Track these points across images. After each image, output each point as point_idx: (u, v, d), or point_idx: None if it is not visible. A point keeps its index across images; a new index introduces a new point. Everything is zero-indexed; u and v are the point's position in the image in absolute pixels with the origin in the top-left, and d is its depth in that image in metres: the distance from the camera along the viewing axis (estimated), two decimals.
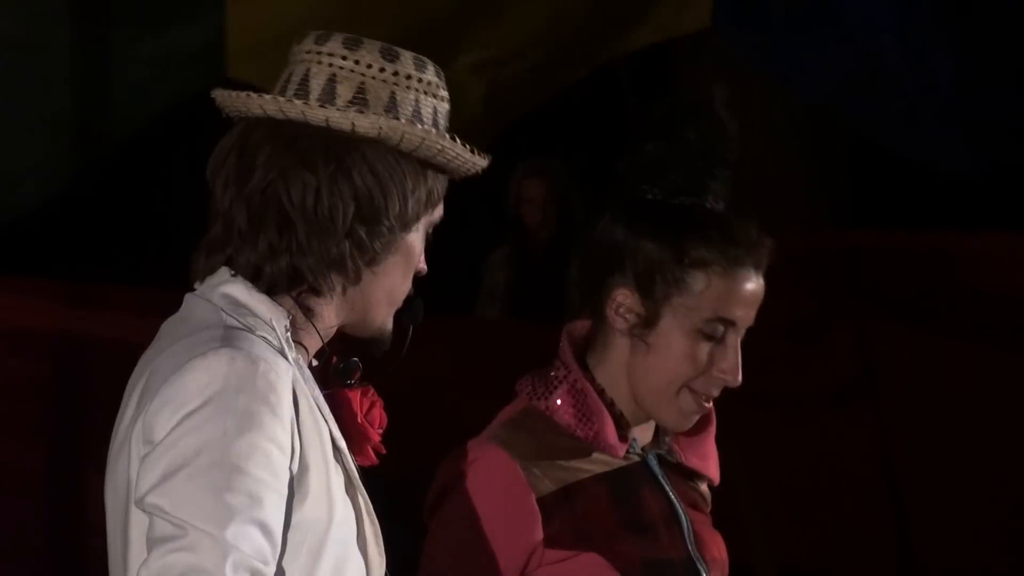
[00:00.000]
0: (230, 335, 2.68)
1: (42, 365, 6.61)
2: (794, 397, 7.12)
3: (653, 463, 3.29)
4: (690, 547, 3.23)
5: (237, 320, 2.72)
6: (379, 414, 2.88)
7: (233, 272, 2.75)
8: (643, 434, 3.31)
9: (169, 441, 2.62)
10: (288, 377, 2.67)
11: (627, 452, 3.25)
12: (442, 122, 2.83)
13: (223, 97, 2.79)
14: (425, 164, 2.79)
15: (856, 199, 8.74)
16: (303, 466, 2.68)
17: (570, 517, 3.21)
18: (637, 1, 6.57)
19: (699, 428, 3.31)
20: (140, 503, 2.62)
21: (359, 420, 2.83)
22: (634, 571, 3.19)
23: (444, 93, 2.83)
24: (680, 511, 3.26)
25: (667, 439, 3.32)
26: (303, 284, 2.75)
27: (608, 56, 6.67)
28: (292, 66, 2.84)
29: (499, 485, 3.22)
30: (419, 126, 2.76)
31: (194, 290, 2.81)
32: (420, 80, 2.82)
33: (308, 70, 2.82)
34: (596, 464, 3.27)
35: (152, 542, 2.59)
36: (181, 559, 2.59)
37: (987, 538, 6.88)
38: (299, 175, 2.76)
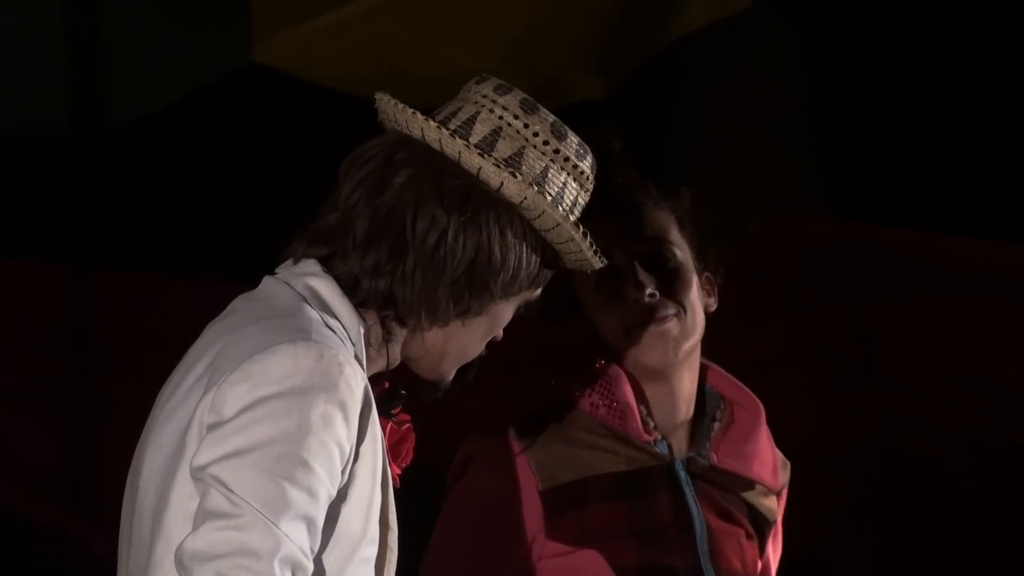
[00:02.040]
0: (321, 331, 2.64)
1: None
2: (790, 383, 6.92)
3: (680, 468, 3.24)
4: (701, 557, 3.17)
5: (317, 315, 2.68)
6: (408, 449, 2.86)
7: (326, 269, 2.70)
8: (675, 439, 3.28)
9: (243, 421, 2.58)
10: (363, 388, 2.65)
11: (654, 450, 3.22)
12: (576, 213, 2.76)
13: (384, 103, 2.76)
14: (547, 246, 2.75)
15: (855, 192, 8.62)
16: (352, 476, 2.67)
17: (577, 511, 3.17)
18: None
19: (743, 428, 3.31)
20: (199, 471, 2.58)
21: (386, 448, 2.79)
22: (629, 574, 3.16)
23: (591, 186, 2.78)
24: (696, 518, 3.22)
25: (707, 445, 3.28)
26: (392, 311, 2.72)
27: (653, 48, 6.64)
28: (462, 103, 2.77)
29: (501, 473, 3.19)
30: (559, 209, 2.71)
31: (275, 272, 2.76)
32: (576, 167, 2.76)
33: (477, 114, 2.75)
34: (619, 462, 3.24)
35: (204, 514, 2.56)
36: (234, 538, 2.56)
37: (985, 522, 6.85)
38: (431, 210, 2.70)
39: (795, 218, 7.62)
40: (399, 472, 2.87)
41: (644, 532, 3.24)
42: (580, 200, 2.81)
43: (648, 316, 3.20)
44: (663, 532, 3.22)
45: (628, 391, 3.27)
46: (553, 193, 2.77)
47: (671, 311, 3.22)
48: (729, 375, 3.42)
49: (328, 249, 2.75)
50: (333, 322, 2.71)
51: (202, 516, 2.60)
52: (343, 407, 2.64)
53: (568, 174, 2.80)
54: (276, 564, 2.57)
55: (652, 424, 3.29)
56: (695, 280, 3.31)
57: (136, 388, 3.03)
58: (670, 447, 3.28)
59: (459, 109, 2.78)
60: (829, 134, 8.33)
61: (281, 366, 2.63)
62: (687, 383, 3.33)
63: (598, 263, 2.80)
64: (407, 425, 2.87)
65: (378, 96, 2.78)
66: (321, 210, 2.80)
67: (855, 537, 6.89)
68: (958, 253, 7.04)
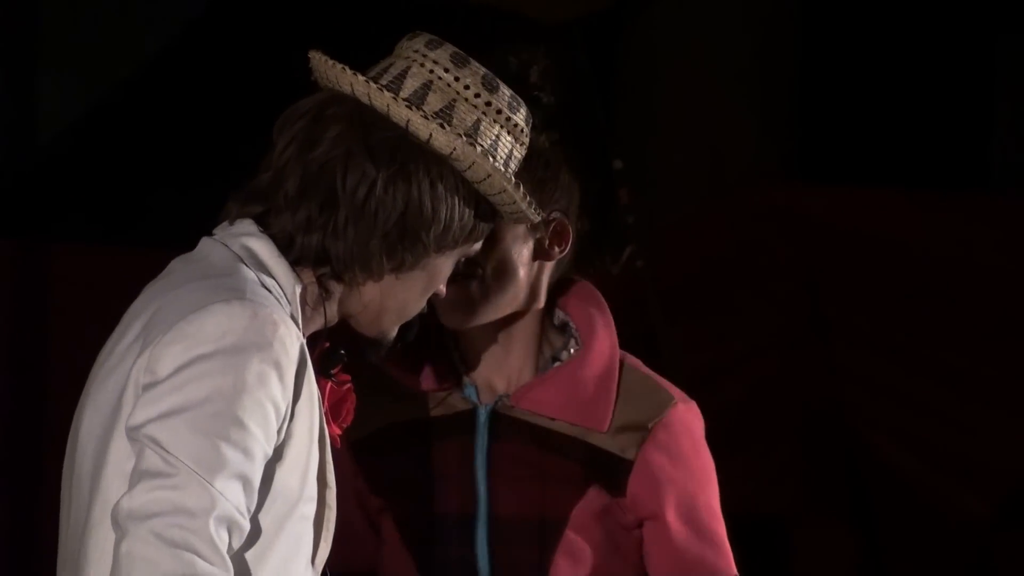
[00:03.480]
0: (256, 291, 2.68)
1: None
2: (746, 341, 7.12)
3: (482, 413, 3.24)
4: (479, 504, 3.18)
5: (252, 274, 2.72)
6: (348, 409, 2.91)
7: (261, 228, 2.74)
8: (493, 382, 3.25)
9: (178, 380, 2.61)
10: (299, 347, 2.68)
11: (451, 398, 3.24)
12: (513, 166, 2.79)
13: (317, 61, 2.78)
14: (481, 199, 2.77)
15: (803, 153, 8.72)
16: (288, 435, 2.70)
17: (377, 462, 3.23)
18: None
19: (572, 367, 3.24)
20: (134, 431, 2.63)
21: (325, 408, 2.84)
22: (391, 522, 3.19)
23: (526, 139, 2.80)
24: (480, 465, 3.22)
25: (521, 387, 3.23)
26: (327, 267, 2.75)
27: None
28: (394, 59, 2.80)
29: None
30: (491, 161, 2.74)
31: (212, 233, 2.79)
32: (508, 119, 2.78)
33: (408, 68, 2.77)
34: (415, 410, 3.27)
35: (140, 474, 2.60)
36: (168, 497, 2.59)
37: (938, 464, 6.90)
38: (361, 163, 2.72)
39: (748, 181, 7.70)
40: (339, 432, 2.88)
41: (418, 481, 3.24)
42: (516, 153, 2.82)
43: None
44: (442, 480, 3.22)
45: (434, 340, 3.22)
46: (485, 145, 2.78)
47: (465, 274, 3.13)
48: (602, 314, 3.32)
49: (262, 207, 2.76)
50: (269, 281, 2.72)
51: (137, 476, 2.61)
52: (278, 366, 2.64)
53: (501, 127, 2.81)
54: (211, 522, 2.58)
55: (457, 360, 3.25)
56: (510, 239, 3.19)
57: (86, 361, 3.01)
58: (478, 391, 3.24)
59: (391, 65, 2.80)
60: (779, 96, 8.45)
61: (216, 325, 2.64)
62: (509, 332, 3.25)
63: (534, 215, 2.81)
64: (348, 386, 2.87)
65: (311, 55, 2.79)
66: (257, 169, 2.81)
67: (808, 494, 6.96)
68: (902, 209, 7.13)
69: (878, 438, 7.04)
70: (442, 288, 2.85)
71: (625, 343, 3.33)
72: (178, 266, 2.77)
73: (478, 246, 2.86)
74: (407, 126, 2.71)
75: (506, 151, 2.81)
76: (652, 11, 8.13)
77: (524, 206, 2.80)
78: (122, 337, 2.72)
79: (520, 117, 2.80)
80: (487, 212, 2.81)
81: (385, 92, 2.72)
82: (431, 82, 2.76)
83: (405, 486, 3.23)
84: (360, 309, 2.80)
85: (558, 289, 3.23)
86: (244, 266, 2.71)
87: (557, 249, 3.13)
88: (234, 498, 2.59)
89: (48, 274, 6.58)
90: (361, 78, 2.72)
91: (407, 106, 2.71)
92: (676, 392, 3.26)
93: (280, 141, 2.76)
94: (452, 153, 2.71)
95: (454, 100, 2.77)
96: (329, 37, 3.16)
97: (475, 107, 2.77)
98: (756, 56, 8.22)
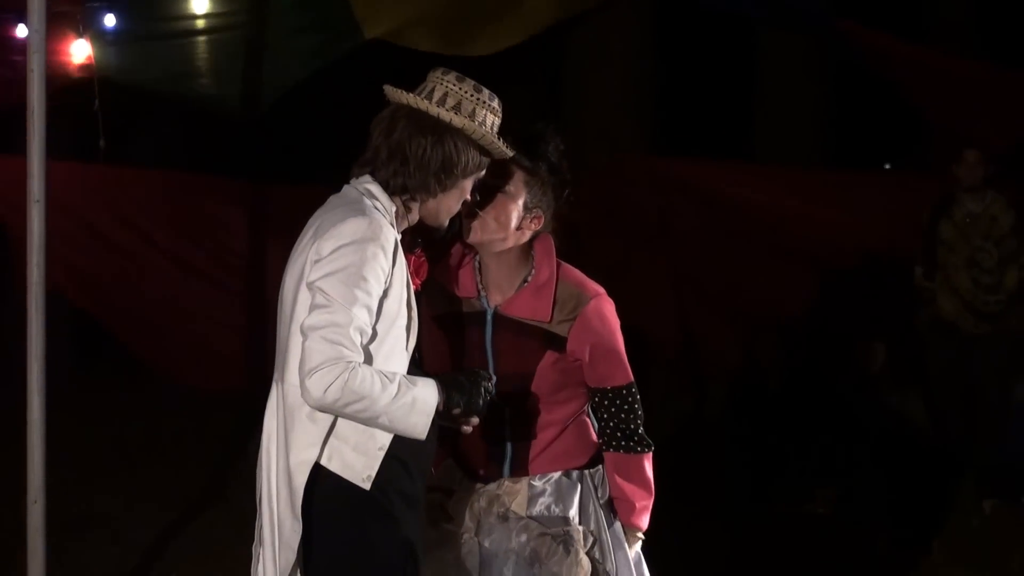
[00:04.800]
0: (371, 210, 3.40)
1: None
2: (618, 250, 7.98)
3: (489, 313, 3.79)
4: (489, 363, 3.78)
5: (370, 202, 3.42)
6: (424, 270, 3.58)
7: (373, 179, 3.48)
8: (495, 293, 3.80)
9: (333, 256, 3.32)
10: (394, 238, 3.39)
11: (474, 301, 3.78)
12: (495, 129, 3.55)
13: (389, 91, 3.49)
14: (481, 149, 3.53)
15: (660, 138, 9.67)
16: (390, 284, 3.38)
17: (438, 331, 3.82)
18: None
19: (530, 289, 3.78)
20: (310, 284, 3.32)
21: (410, 270, 3.49)
22: (446, 352, 3.74)
23: (500, 114, 3.53)
24: (488, 340, 3.77)
25: (508, 298, 3.75)
26: (407, 194, 3.49)
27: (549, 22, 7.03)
28: (426, 82, 3.53)
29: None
30: (483, 129, 3.50)
31: (349, 183, 3.51)
32: (490, 105, 3.54)
33: (434, 87, 3.52)
34: (456, 306, 3.83)
35: (312, 307, 3.29)
36: (328, 317, 3.26)
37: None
38: (417, 138, 3.47)
39: (622, 155, 8.78)
40: (419, 282, 3.51)
41: (462, 347, 3.77)
42: (496, 121, 3.46)
43: (468, 210, 3.65)
44: (471, 348, 3.76)
45: (464, 262, 3.76)
46: (479, 120, 3.43)
47: (475, 213, 3.67)
48: (549, 258, 3.78)
49: (370, 168, 3.44)
50: (378, 204, 3.38)
51: (313, 307, 3.25)
52: (383, 248, 3.28)
53: (486, 109, 3.46)
54: (351, 330, 3.19)
55: (479, 282, 3.76)
56: (511, 208, 3.69)
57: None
58: (487, 299, 3.76)
59: (425, 86, 3.49)
60: (649, 94, 9.65)
61: (349, 227, 3.28)
62: (501, 264, 3.77)
63: (510, 154, 3.49)
64: (423, 258, 3.55)
65: (385, 88, 3.45)
66: (364, 149, 3.49)
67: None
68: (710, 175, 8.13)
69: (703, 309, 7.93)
70: (468, 196, 3.45)
71: (566, 257, 3.85)
72: (332, 200, 3.47)
73: (483, 172, 3.46)
74: (438, 116, 3.40)
75: (491, 122, 3.46)
76: (581, 30, 9.07)
77: (504, 149, 3.45)
78: (304, 237, 3.42)
79: (496, 103, 3.47)
80: (486, 154, 3.46)
81: (425, 100, 3.43)
82: (447, 91, 3.46)
83: (451, 349, 3.79)
84: (427, 213, 3.48)
85: (534, 238, 3.81)
86: (365, 199, 3.38)
87: (533, 225, 3.76)
88: (363, 317, 3.22)
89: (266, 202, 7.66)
90: (411, 95, 3.42)
91: (437, 106, 3.41)
92: (590, 290, 3.77)
93: (374, 132, 3.47)
94: (463, 127, 3.42)
95: (461, 99, 3.46)
96: (390, 77, 3.73)
97: (472, 100, 3.44)
98: (632, 74, 9.47)
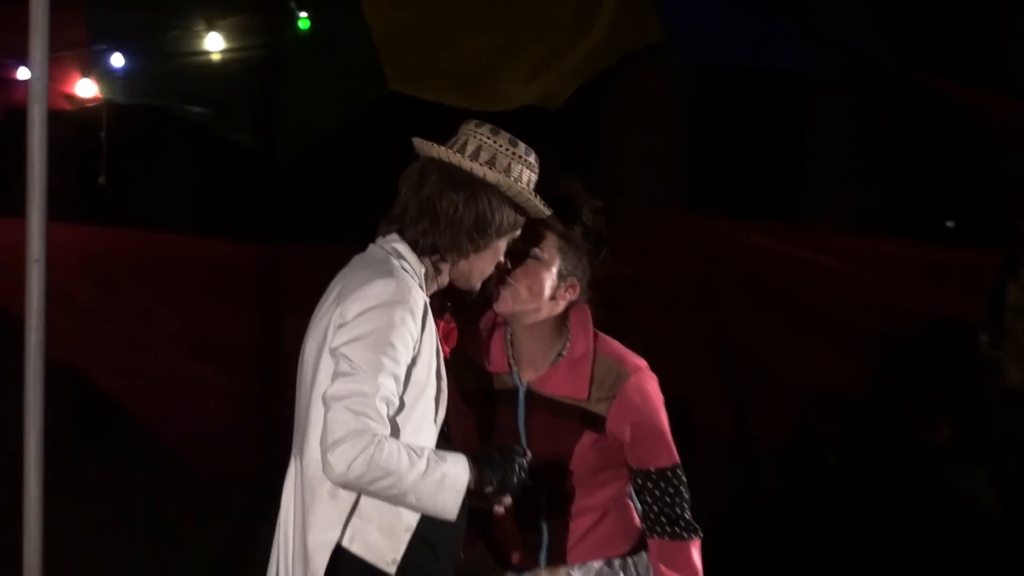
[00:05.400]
0: (399, 272, 3.45)
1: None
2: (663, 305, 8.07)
3: (521, 391, 3.82)
4: (521, 438, 3.82)
5: (398, 263, 3.47)
6: (453, 338, 3.63)
7: (401, 237, 3.54)
8: (528, 369, 3.82)
9: (358, 320, 3.37)
10: (423, 301, 3.45)
11: (505, 378, 3.82)
12: (531, 185, 3.62)
13: (418, 144, 3.56)
14: (517, 207, 3.59)
15: (704, 195, 9.75)
16: (419, 351, 3.44)
17: (467, 410, 3.86)
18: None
19: (564, 364, 3.81)
20: (333, 351, 3.38)
21: (439, 336, 3.55)
22: (475, 433, 3.80)
23: (537, 170, 3.60)
24: (521, 425, 3.81)
25: (540, 375, 3.77)
26: (437, 254, 3.54)
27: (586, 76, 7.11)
28: (459, 135, 3.59)
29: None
30: (519, 185, 3.56)
31: (375, 242, 3.57)
32: (526, 160, 3.61)
33: (468, 139, 3.59)
34: (487, 382, 3.85)
35: (337, 375, 3.35)
36: (353, 386, 3.32)
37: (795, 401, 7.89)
38: (448, 194, 3.53)
39: (667, 210, 8.79)
40: (448, 349, 3.58)
41: (491, 428, 3.80)
42: (533, 177, 3.54)
43: (499, 278, 3.69)
44: (502, 428, 3.81)
45: (494, 334, 3.79)
46: (515, 175, 3.48)
47: (507, 282, 3.70)
48: (585, 329, 3.80)
49: (398, 226, 3.49)
50: (407, 265, 3.44)
51: (336, 376, 3.30)
52: (412, 313, 3.34)
53: (522, 164, 3.52)
54: (377, 400, 3.25)
55: (511, 356, 3.79)
56: (544, 276, 3.72)
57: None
58: (519, 375, 3.79)
59: (458, 139, 3.55)
60: (688, 153, 9.67)
61: (376, 290, 3.34)
62: (534, 336, 3.80)
63: (547, 212, 3.55)
64: (452, 324, 3.61)
65: (414, 141, 3.52)
66: (392, 206, 3.55)
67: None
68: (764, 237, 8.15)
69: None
70: (502, 259, 3.52)
71: (604, 327, 3.86)
72: (356, 260, 3.52)
73: (518, 232, 3.52)
74: (471, 171, 3.47)
75: (527, 177, 3.53)
76: (615, 86, 9.13)
77: (541, 207, 3.53)
78: (326, 300, 3.46)
79: (532, 158, 3.54)
80: (521, 212, 3.53)
81: (457, 154, 3.50)
82: (481, 145, 3.52)
83: (479, 428, 3.82)
84: (457, 276, 3.53)
85: (569, 308, 3.84)
86: (392, 258, 3.43)
87: (568, 295, 3.78)
88: (390, 386, 3.26)
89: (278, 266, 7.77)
90: (442, 149, 3.49)
91: (470, 160, 3.48)
92: (630, 365, 3.77)
93: (403, 188, 3.53)
94: (498, 183, 3.48)
95: (495, 153, 3.51)
96: (418, 130, 3.75)
97: (507, 155, 3.50)
98: (673, 126, 9.44)
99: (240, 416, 7.74)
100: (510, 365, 3.84)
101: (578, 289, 3.82)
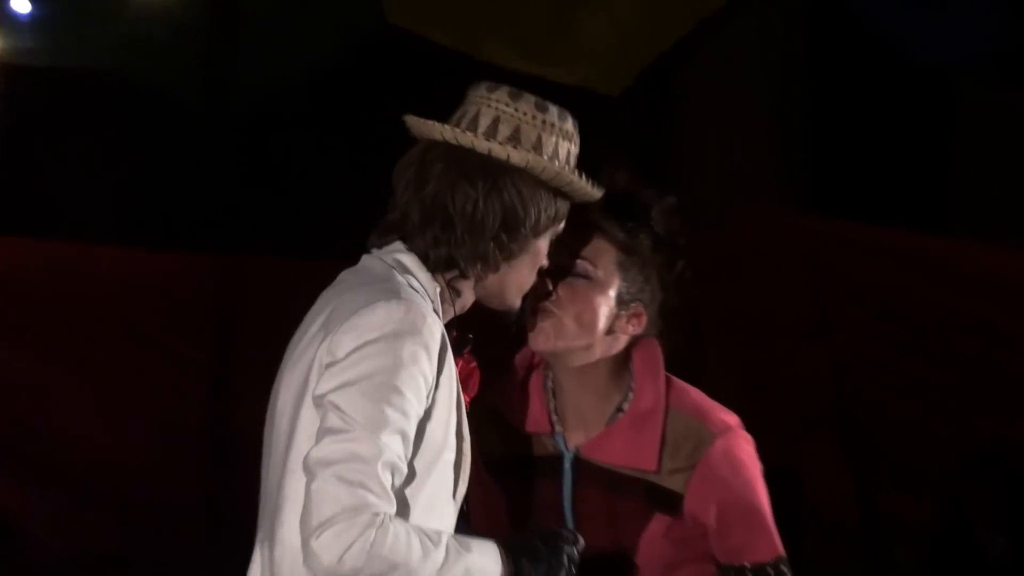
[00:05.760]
0: (408, 292, 3.32)
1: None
2: (767, 333, 7.90)
3: (567, 459, 3.81)
4: (567, 521, 3.79)
5: (403, 279, 3.34)
6: (474, 382, 3.54)
7: (406, 247, 3.41)
8: (577, 430, 3.80)
9: (352, 359, 3.23)
10: (440, 333, 3.33)
11: (546, 441, 3.79)
12: (572, 161, 3.49)
13: (412, 122, 3.44)
14: (556, 191, 3.46)
15: (814, 188, 9.39)
16: (434, 400, 3.31)
17: (495, 483, 3.83)
18: None
19: (625, 423, 3.79)
20: (319, 399, 3.24)
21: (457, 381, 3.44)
22: (509, 510, 3.81)
23: (577, 139, 3.49)
24: (567, 505, 3.81)
25: (589, 437, 3.78)
26: (455, 270, 3.40)
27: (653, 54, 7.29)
28: (466, 106, 3.47)
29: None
30: (556, 163, 3.43)
31: (370, 252, 3.44)
32: (561, 129, 3.47)
33: (479, 111, 3.45)
34: (522, 446, 3.85)
35: (324, 431, 3.20)
36: (347, 448, 3.18)
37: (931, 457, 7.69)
38: (463, 188, 3.38)
39: (763, 210, 8.43)
40: (469, 399, 3.45)
41: (528, 508, 3.80)
42: (572, 150, 3.42)
43: (535, 304, 3.67)
44: (541, 509, 3.80)
45: (531, 380, 3.79)
46: (549, 152, 3.38)
47: (552, 310, 3.68)
48: (654, 374, 3.79)
49: (397, 236, 3.36)
50: (416, 284, 3.31)
51: (323, 432, 3.18)
52: (427, 347, 3.23)
53: (556, 135, 3.40)
54: (379, 467, 3.14)
55: (552, 411, 3.81)
56: (599, 301, 3.70)
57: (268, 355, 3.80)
58: (564, 437, 3.79)
59: (465, 112, 3.40)
60: (792, 136, 9.30)
61: (378, 318, 3.23)
62: (584, 384, 3.78)
63: (597, 193, 3.46)
64: (473, 364, 3.50)
65: (407, 118, 3.40)
66: (387, 209, 3.42)
67: (810, 458, 7.76)
68: (912, 259, 7.80)
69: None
70: (545, 261, 3.44)
71: (679, 369, 3.81)
72: (346, 276, 3.39)
73: (563, 224, 3.44)
74: (489, 153, 3.35)
75: (565, 151, 3.42)
76: (690, 62, 9.04)
77: (589, 188, 3.43)
78: (307, 331, 3.34)
79: (569, 124, 3.42)
80: (563, 198, 3.43)
81: (467, 133, 3.36)
82: (499, 116, 3.39)
83: (511, 509, 3.81)
84: (486, 293, 3.42)
85: (632, 345, 3.79)
86: (397, 274, 3.30)
87: (631, 327, 3.73)
88: (395, 448, 3.17)
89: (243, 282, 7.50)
90: (448, 127, 3.37)
91: (486, 138, 3.35)
92: (716, 423, 3.75)
93: (399, 186, 3.39)
94: (527, 164, 3.36)
95: (519, 125, 3.39)
96: (409, 103, 3.72)
97: (534, 126, 3.38)
98: (772, 105, 9.12)
99: (175, 487, 7.44)
100: (552, 423, 3.75)
101: (644, 319, 3.70)
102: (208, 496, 7.35)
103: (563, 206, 3.45)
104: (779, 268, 7.99)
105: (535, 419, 3.80)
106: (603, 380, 3.74)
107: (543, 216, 3.41)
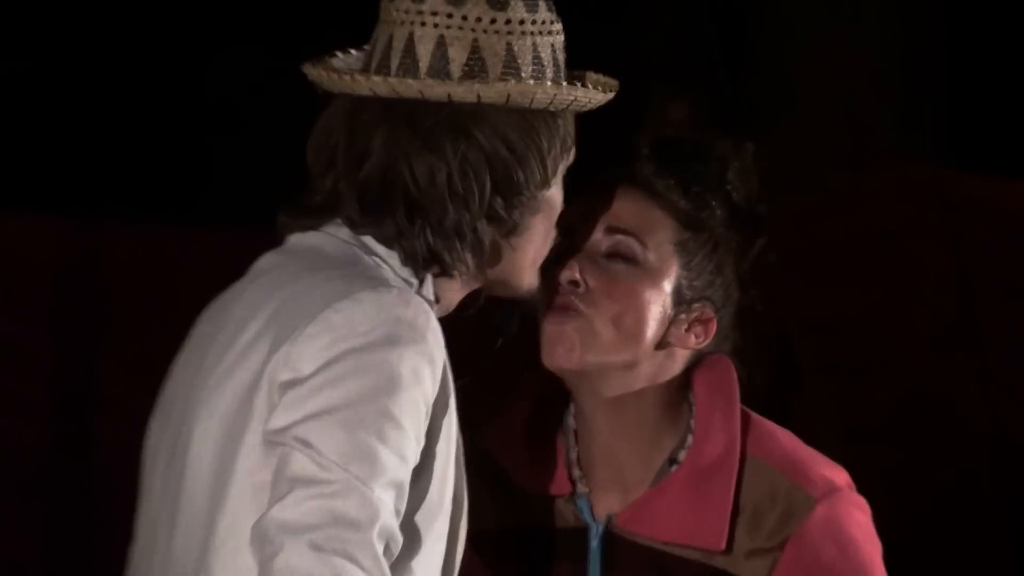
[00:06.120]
0: (397, 280, 2.97)
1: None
2: (891, 343, 7.59)
3: (594, 534, 3.54)
4: None
5: (373, 261, 2.98)
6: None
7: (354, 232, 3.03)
8: (608, 491, 3.52)
9: (328, 376, 2.85)
10: (442, 343, 2.95)
11: (563, 507, 3.47)
12: (560, 58, 3.08)
13: (318, 75, 3.06)
14: (555, 116, 3.06)
15: (954, 139, 9.31)
16: (429, 440, 2.94)
17: (483, 569, 3.49)
18: None
19: (682, 478, 3.50)
20: (278, 434, 2.85)
21: None
22: None
23: (558, 25, 3.08)
24: None
25: (628, 502, 3.51)
26: (436, 267, 3.03)
27: None
28: (390, 28, 3.06)
29: None
30: (547, 82, 3.04)
31: (304, 232, 3.05)
32: (534, 22, 3.05)
33: (411, 34, 3.04)
34: (526, 515, 3.55)
35: (290, 481, 2.82)
36: (328, 507, 2.81)
37: None
38: (424, 159, 3.00)
39: (890, 165, 8.21)
40: None
41: None
42: (557, 44, 3.09)
43: (553, 304, 3.41)
44: None
45: (542, 418, 3.56)
46: (528, 63, 3.06)
47: (579, 308, 3.42)
48: (726, 408, 3.60)
49: (328, 221, 3.04)
50: (387, 271, 3.00)
51: (287, 483, 2.83)
52: (432, 361, 2.91)
53: (530, 35, 3.07)
54: (373, 534, 2.82)
55: (573, 462, 3.57)
56: (647, 297, 3.46)
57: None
58: (589, 502, 3.55)
59: (391, 39, 3.04)
60: (929, 72, 9.16)
61: (365, 315, 2.89)
62: (622, 420, 3.55)
63: (607, 96, 3.13)
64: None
65: (307, 70, 3.08)
66: (306, 187, 3.07)
67: (959, 525, 7.39)
68: None
69: None
70: (559, 210, 3.12)
71: (757, 403, 3.56)
72: (277, 260, 3.04)
73: (573, 151, 3.11)
74: (449, 99, 2.99)
75: (548, 53, 3.07)
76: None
77: (599, 96, 3.10)
78: (235, 337, 2.95)
79: (542, 12, 3.05)
80: (568, 121, 3.10)
81: (408, 79, 2.99)
82: (442, 36, 3.01)
83: None
84: (492, 282, 3.10)
85: (695, 364, 3.49)
86: (364, 255, 2.98)
87: (694, 338, 3.43)
88: (389, 509, 2.84)
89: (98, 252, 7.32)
90: (377, 78, 3.00)
91: (437, 79, 3.00)
92: (817, 483, 3.48)
93: (318, 166, 3.03)
94: (509, 100, 3.00)
95: (475, 41, 3.03)
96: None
97: (498, 33, 3.03)
98: (892, 38, 8.98)
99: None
100: (573, 480, 3.47)
101: (714, 328, 3.43)
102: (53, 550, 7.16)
103: (568, 127, 3.10)
104: (910, 251, 7.60)
105: (548, 475, 3.48)
106: (650, 417, 3.41)
107: (548, 160, 3.07)
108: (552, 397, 3.51)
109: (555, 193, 3.12)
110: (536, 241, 3.13)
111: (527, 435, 3.51)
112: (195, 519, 2.94)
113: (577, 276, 3.33)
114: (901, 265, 7.62)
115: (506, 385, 3.54)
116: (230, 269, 3.26)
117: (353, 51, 3.09)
